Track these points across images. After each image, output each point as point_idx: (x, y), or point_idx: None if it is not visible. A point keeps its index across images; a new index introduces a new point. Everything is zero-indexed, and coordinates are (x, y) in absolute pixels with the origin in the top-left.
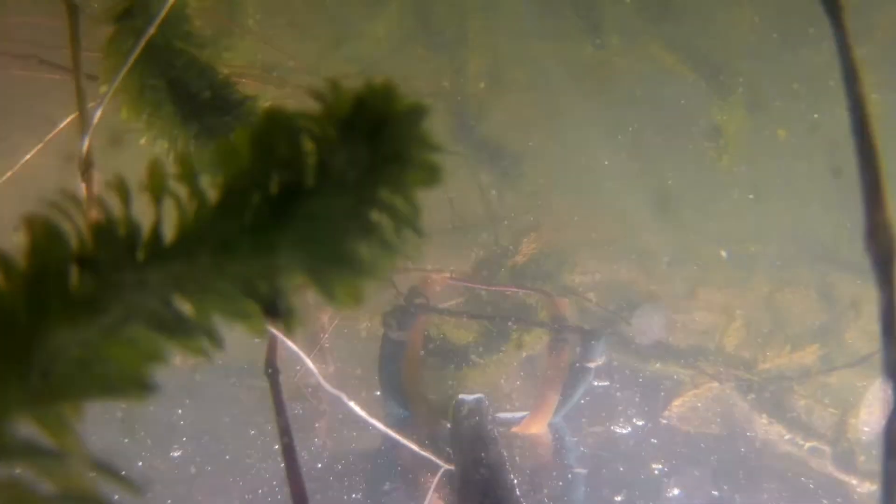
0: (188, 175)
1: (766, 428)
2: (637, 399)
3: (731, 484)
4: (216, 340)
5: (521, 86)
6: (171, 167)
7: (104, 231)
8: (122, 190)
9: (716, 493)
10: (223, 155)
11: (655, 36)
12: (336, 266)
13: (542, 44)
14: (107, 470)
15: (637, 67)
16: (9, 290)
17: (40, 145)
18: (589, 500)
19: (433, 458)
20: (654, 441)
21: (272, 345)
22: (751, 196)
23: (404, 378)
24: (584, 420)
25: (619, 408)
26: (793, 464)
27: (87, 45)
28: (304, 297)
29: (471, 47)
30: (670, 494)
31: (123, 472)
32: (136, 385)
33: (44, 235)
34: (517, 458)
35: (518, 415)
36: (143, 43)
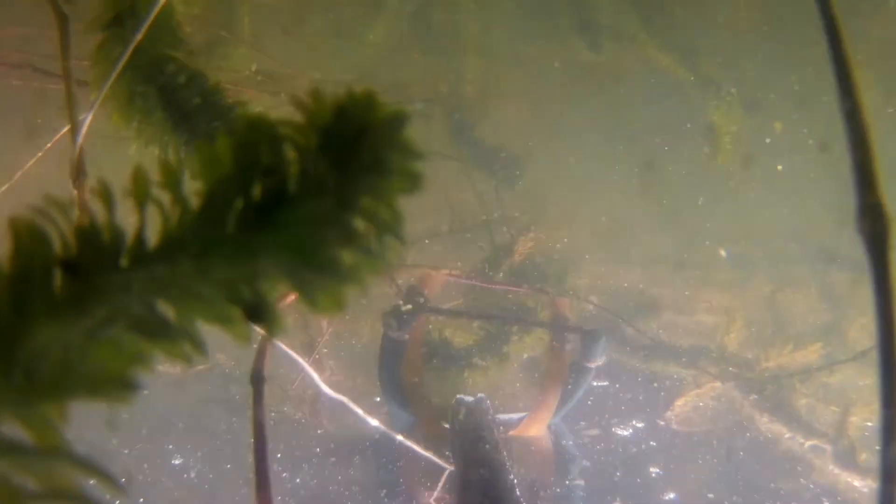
0: (171, 181)
1: (768, 427)
2: (640, 399)
3: (731, 484)
4: (199, 345)
5: (518, 89)
6: (155, 173)
7: (88, 235)
8: (106, 195)
9: (717, 493)
10: (206, 161)
11: (651, 37)
12: (318, 272)
13: (538, 47)
14: (90, 468)
15: (633, 69)
16: None
17: (40, 153)
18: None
19: (434, 458)
20: (656, 443)
21: (262, 351)
22: (751, 195)
23: (404, 378)
24: (583, 422)
25: (622, 408)
26: (794, 462)
27: (81, 53)
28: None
29: (467, 51)
30: (671, 496)
31: (107, 470)
32: (120, 386)
33: (28, 238)
34: (515, 462)
35: (516, 416)
36: (130, 50)
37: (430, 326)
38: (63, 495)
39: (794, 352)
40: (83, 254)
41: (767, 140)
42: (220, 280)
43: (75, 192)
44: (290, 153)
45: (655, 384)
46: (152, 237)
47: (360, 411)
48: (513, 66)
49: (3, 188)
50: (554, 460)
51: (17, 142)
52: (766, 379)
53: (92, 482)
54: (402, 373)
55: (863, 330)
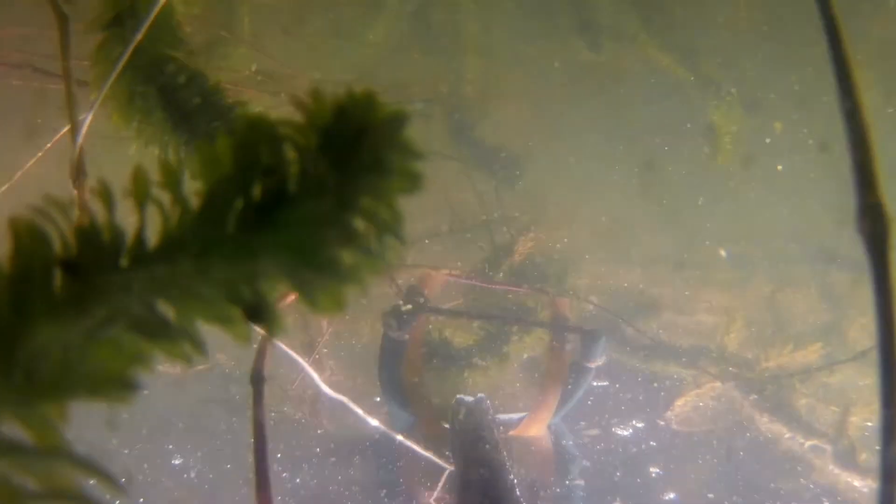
0: (171, 181)
1: (768, 427)
2: (640, 399)
3: (731, 484)
4: (199, 345)
5: (518, 89)
6: (155, 173)
7: (88, 235)
8: (106, 195)
9: (717, 493)
10: (206, 161)
11: (651, 37)
12: (318, 272)
13: (538, 47)
14: (90, 468)
15: (633, 69)
16: None
17: (40, 154)
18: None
19: (434, 458)
20: (655, 443)
21: (262, 352)
22: (751, 195)
23: (404, 378)
24: (583, 423)
25: (622, 408)
26: (794, 462)
27: (81, 53)
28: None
29: (467, 51)
30: (671, 496)
31: (107, 470)
32: (120, 387)
33: (28, 238)
34: (515, 462)
35: (516, 416)
36: (130, 50)
37: (430, 326)
38: (63, 495)
39: (794, 352)
40: (83, 254)
41: (767, 140)
42: (220, 280)
43: (75, 192)
44: (290, 153)
45: (655, 384)
46: (152, 237)
47: (360, 411)
48: (513, 67)
49: (3, 188)
50: (554, 460)
51: (17, 142)
52: (766, 379)
53: (92, 482)
54: (402, 373)
55: (863, 330)
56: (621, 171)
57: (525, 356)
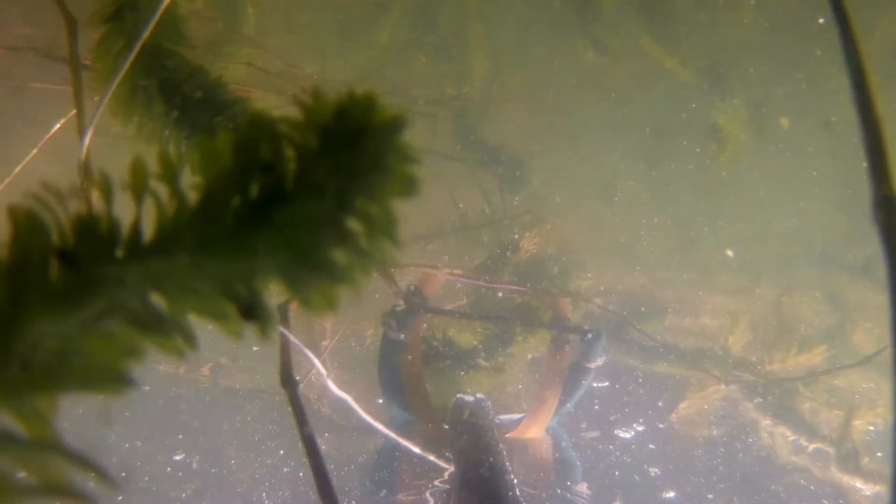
0: (169, 175)
1: (771, 430)
2: (643, 401)
3: (733, 485)
4: (190, 340)
5: (524, 91)
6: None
7: (85, 226)
8: (105, 187)
9: (718, 494)
10: (206, 156)
11: (656, 39)
12: (312, 272)
13: (544, 49)
14: (84, 462)
15: (639, 71)
16: None
17: (34, 151)
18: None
19: (434, 459)
20: (658, 445)
21: (286, 356)
22: (757, 197)
23: (404, 379)
24: (584, 424)
25: (626, 410)
26: (796, 465)
27: (84, 51)
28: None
29: (473, 53)
30: (672, 496)
31: (101, 465)
32: (114, 379)
33: (26, 227)
34: (514, 462)
35: (516, 416)
36: (138, 46)
37: (433, 327)
38: (56, 489)
39: (799, 355)
40: (80, 244)
41: (774, 142)
42: (216, 276)
43: (77, 185)
44: (289, 151)
45: (659, 386)
46: (148, 230)
47: (360, 411)
48: (518, 68)
49: (4, 183)
50: (554, 461)
51: (22, 140)
52: (770, 382)
53: (90, 477)
54: (402, 373)
55: (868, 334)
56: (626, 173)
57: (529, 357)
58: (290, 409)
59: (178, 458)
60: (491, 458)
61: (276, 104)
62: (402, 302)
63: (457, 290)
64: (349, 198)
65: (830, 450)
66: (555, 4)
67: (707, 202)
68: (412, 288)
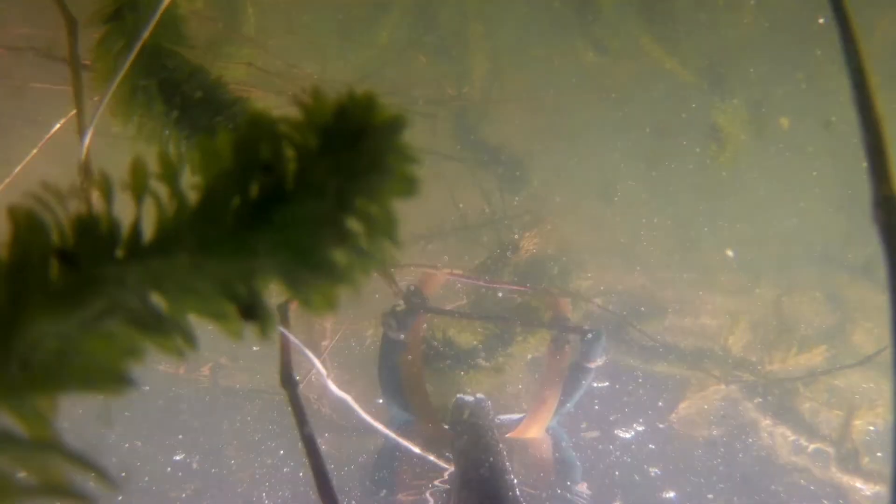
0: (169, 174)
1: (771, 430)
2: (643, 401)
3: (734, 486)
4: (190, 340)
5: (524, 91)
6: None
7: (85, 226)
8: (105, 187)
9: (718, 494)
10: (206, 156)
11: (656, 39)
12: (312, 272)
13: (544, 49)
14: (83, 462)
15: (639, 71)
16: None
17: (34, 151)
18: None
19: (434, 459)
20: (658, 445)
21: (286, 355)
22: (757, 197)
23: (404, 379)
24: (583, 424)
25: (626, 410)
26: (796, 465)
27: (84, 51)
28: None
29: (473, 53)
30: (672, 496)
31: (100, 465)
32: (114, 379)
33: (27, 227)
34: (514, 462)
35: (516, 416)
36: (139, 45)
37: (433, 327)
38: (56, 489)
39: (799, 355)
40: (80, 244)
41: (774, 142)
42: (215, 276)
43: (78, 185)
44: (289, 151)
45: (659, 386)
46: (148, 230)
47: (360, 411)
48: (518, 68)
49: (4, 183)
50: (554, 460)
51: (22, 140)
52: (770, 382)
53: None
54: (402, 373)
55: (868, 334)
56: (626, 173)
57: (529, 356)
58: (290, 409)
59: (178, 457)
60: (491, 458)
61: (277, 104)
62: (402, 302)
63: (457, 289)
64: (349, 198)
65: (830, 450)
66: (555, 4)
67: (707, 202)
68: (412, 288)
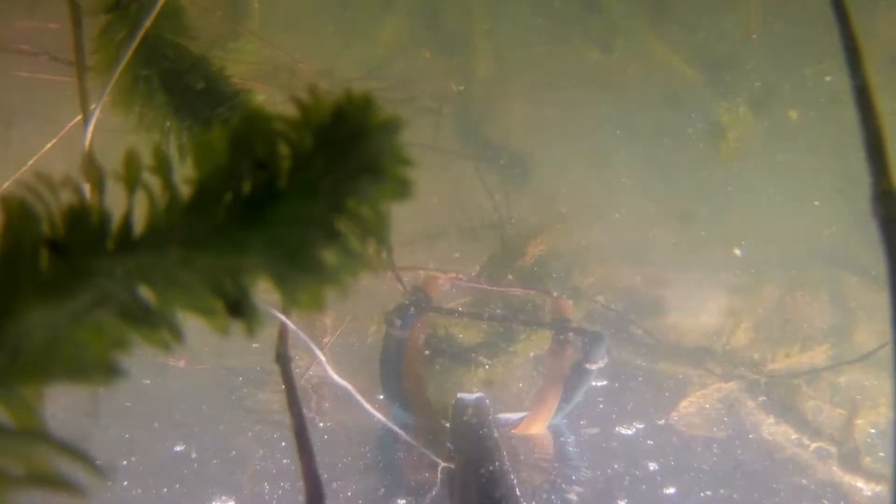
0: (162, 168)
1: (773, 429)
2: (645, 399)
3: (735, 486)
4: (177, 334)
5: (528, 89)
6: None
7: (76, 217)
8: (97, 178)
9: (719, 494)
10: (200, 151)
11: (661, 37)
12: (301, 271)
13: (548, 47)
14: (72, 453)
15: (644, 69)
16: None
17: (48, 146)
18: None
19: (434, 457)
20: (659, 443)
21: (283, 334)
22: (760, 196)
23: (406, 377)
24: (583, 422)
25: (628, 408)
26: (798, 464)
27: (89, 45)
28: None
29: (477, 50)
30: (673, 495)
31: (90, 456)
32: (102, 370)
33: (18, 216)
34: (515, 462)
35: (517, 416)
36: (140, 35)
37: (436, 325)
38: (42, 479)
39: (801, 353)
40: (70, 235)
41: (779, 142)
42: (205, 271)
43: (79, 175)
44: (284, 149)
45: (661, 384)
46: (139, 223)
47: (362, 399)
48: (523, 66)
49: (10, 180)
50: (553, 461)
51: (29, 135)
52: (773, 380)
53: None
54: (404, 371)
55: (871, 333)
56: (630, 172)
57: (532, 354)
58: (284, 386)
59: (178, 448)
60: (491, 459)
61: (280, 98)
62: (406, 300)
63: (461, 289)
64: (342, 199)
65: (833, 448)
66: (556, 4)
67: (709, 201)
68: (416, 287)
